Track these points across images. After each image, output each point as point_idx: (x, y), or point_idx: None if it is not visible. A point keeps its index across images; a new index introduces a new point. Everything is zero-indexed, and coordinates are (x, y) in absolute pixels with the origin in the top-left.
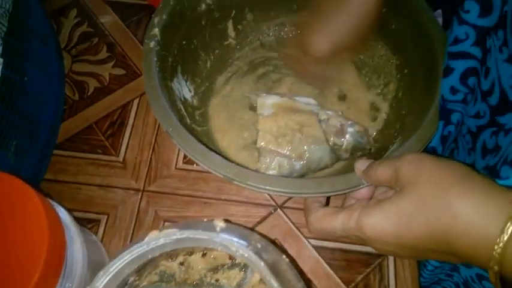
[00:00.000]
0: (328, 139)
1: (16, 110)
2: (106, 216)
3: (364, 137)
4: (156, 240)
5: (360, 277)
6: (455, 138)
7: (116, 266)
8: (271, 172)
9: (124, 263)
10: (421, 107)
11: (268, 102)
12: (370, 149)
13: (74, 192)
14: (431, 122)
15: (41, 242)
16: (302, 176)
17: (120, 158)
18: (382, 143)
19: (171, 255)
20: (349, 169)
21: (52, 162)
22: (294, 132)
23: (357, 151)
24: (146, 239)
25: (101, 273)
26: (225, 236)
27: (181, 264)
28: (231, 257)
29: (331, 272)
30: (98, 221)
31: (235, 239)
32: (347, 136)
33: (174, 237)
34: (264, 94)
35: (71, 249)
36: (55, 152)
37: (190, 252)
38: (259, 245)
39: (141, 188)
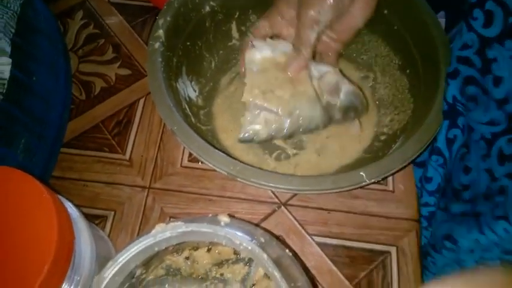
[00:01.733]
0: (321, 97)
1: (24, 109)
2: (113, 213)
3: (358, 97)
4: (162, 232)
5: (363, 274)
6: (465, 144)
7: (123, 258)
8: (256, 127)
9: (131, 255)
10: (423, 107)
11: (257, 57)
12: (362, 110)
13: (80, 189)
14: (432, 122)
15: (51, 236)
16: (291, 135)
17: (127, 156)
18: (385, 142)
19: (177, 249)
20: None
21: (59, 160)
22: (284, 87)
23: (350, 111)
24: (153, 231)
25: (109, 264)
26: (229, 230)
27: (187, 258)
28: (235, 252)
29: (334, 268)
30: (105, 217)
31: (239, 233)
32: (341, 95)
33: (180, 230)
34: (256, 43)
35: (79, 243)
36: (62, 150)
37: (196, 247)
38: (262, 239)
39: (147, 185)
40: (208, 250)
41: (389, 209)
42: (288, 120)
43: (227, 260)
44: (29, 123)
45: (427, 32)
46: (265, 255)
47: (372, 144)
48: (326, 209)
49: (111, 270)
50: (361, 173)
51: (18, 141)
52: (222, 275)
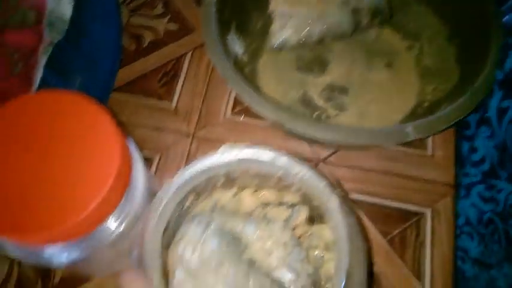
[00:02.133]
0: (348, 1)
1: (81, 50)
2: (159, 155)
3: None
4: (229, 152)
5: (396, 231)
6: None
7: (190, 171)
8: (286, 34)
9: (196, 171)
10: (470, 75)
11: None
12: (387, 13)
13: (129, 131)
14: (481, 88)
15: (112, 160)
16: (320, 41)
17: (173, 105)
18: (428, 109)
19: (226, 185)
20: None
21: (109, 105)
22: None
23: (377, 15)
24: (220, 149)
25: (177, 174)
26: (287, 160)
27: (234, 196)
28: (279, 197)
29: (369, 223)
30: (151, 159)
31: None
32: None
33: (245, 151)
34: None
35: (134, 172)
36: (112, 95)
37: (243, 188)
38: None
39: (192, 133)
40: (254, 192)
41: (427, 173)
42: (317, 25)
43: (271, 203)
44: (84, 65)
45: (478, 2)
46: (323, 183)
47: (414, 111)
48: (363, 169)
49: (179, 180)
50: (408, 129)
51: (74, 82)
52: (265, 215)
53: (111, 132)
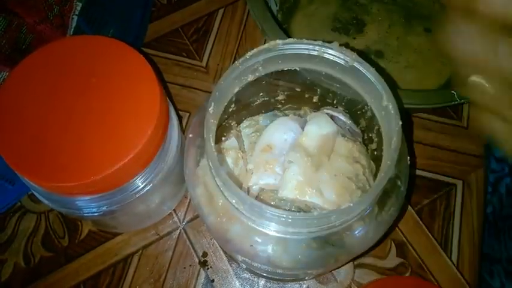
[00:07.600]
0: None
1: (114, 1)
2: (188, 114)
3: None
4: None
5: (426, 201)
6: None
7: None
8: None
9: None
10: None
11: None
12: None
13: None
14: None
15: (151, 112)
16: None
17: (203, 63)
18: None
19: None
20: None
21: None
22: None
23: None
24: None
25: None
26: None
27: None
28: None
29: None
30: (181, 118)
31: None
32: None
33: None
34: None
35: (170, 126)
36: (143, 49)
37: None
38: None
39: None
40: None
41: (461, 144)
42: None
43: None
44: (117, 16)
45: None
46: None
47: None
48: None
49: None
50: (453, 92)
51: (107, 31)
52: None
53: (151, 83)
